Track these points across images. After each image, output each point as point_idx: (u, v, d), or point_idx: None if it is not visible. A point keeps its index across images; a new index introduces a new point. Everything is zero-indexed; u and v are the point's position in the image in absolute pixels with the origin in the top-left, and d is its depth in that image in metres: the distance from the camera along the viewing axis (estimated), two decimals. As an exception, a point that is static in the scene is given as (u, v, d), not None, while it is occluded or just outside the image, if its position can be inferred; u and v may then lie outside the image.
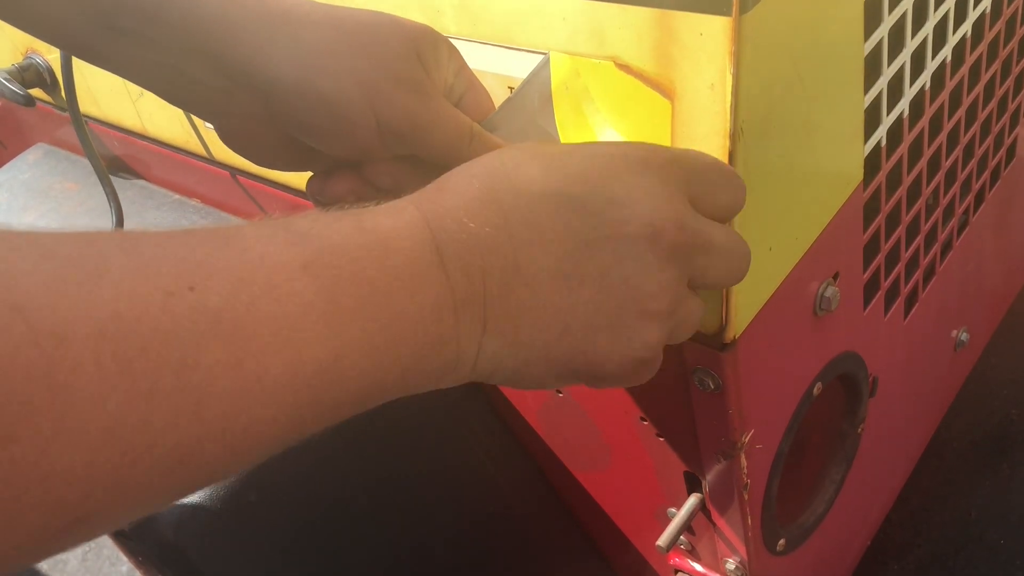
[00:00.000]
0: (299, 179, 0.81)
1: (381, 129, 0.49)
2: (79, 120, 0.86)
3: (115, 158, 1.08)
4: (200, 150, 0.89)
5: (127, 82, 0.90)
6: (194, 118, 0.87)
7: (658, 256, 0.43)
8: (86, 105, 0.97)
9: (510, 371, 0.42)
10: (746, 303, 0.58)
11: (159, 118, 0.91)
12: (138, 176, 1.09)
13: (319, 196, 0.54)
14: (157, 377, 0.29)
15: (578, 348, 0.42)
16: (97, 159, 0.88)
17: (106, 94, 0.95)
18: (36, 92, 1.02)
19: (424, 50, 0.50)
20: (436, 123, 0.50)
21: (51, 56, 0.98)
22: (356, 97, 0.48)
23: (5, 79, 0.97)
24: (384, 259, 0.37)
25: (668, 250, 0.43)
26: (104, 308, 0.28)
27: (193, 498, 0.72)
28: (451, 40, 0.54)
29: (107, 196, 0.89)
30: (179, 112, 0.88)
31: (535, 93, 0.55)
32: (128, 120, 0.95)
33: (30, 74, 1.00)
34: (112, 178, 0.89)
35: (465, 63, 0.54)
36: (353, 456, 0.79)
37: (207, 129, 0.86)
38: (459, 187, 0.41)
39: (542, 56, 0.55)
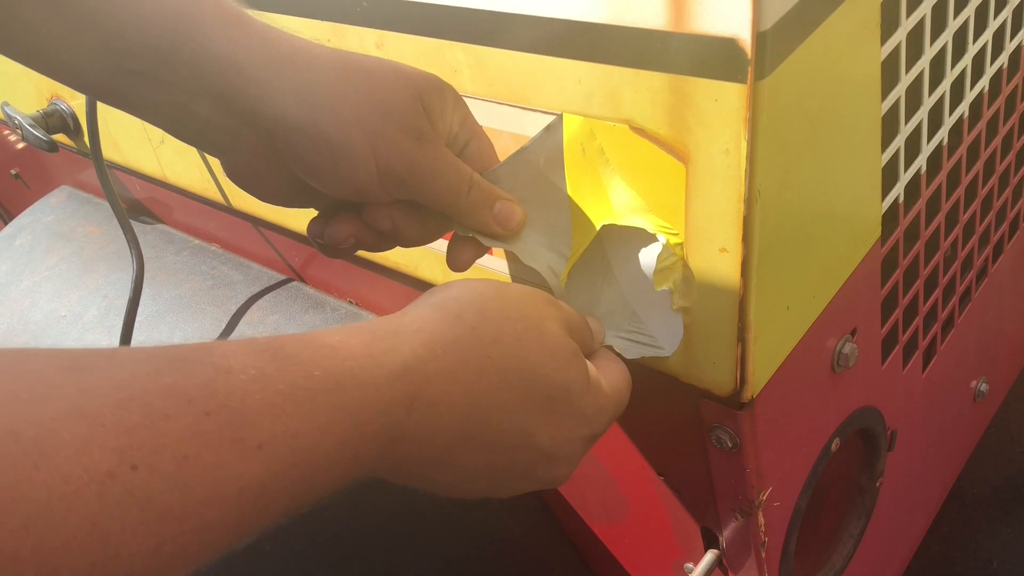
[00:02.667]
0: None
1: (381, 174, 0.51)
2: (101, 166, 0.87)
3: (136, 202, 1.09)
4: (219, 198, 0.90)
5: (149, 129, 0.92)
6: (213, 165, 0.88)
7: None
8: (108, 151, 0.99)
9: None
10: (764, 363, 0.58)
11: (179, 165, 0.92)
12: (159, 220, 1.10)
13: (319, 238, 0.56)
14: (71, 570, 0.29)
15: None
16: (119, 204, 0.89)
17: (128, 141, 0.96)
18: (60, 137, 1.03)
19: (429, 98, 0.51)
20: (436, 171, 0.52)
21: (75, 102, 1.00)
22: (358, 141, 0.49)
23: (30, 125, 0.98)
24: (350, 437, 0.38)
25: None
26: (38, 495, 0.28)
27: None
28: (465, 98, 0.54)
29: (128, 240, 0.90)
30: (198, 160, 0.89)
31: (543, 150, 0.55)
32: (149, 167, 0.96)
33: (54, 120, 1.01)
34: (133, 222, 0.90)
35: (470, 113, 0.55)
36: (362, 501, 0.78)
37: (225, 178, 0.87)
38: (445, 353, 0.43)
39: (555, 116, 0.55)
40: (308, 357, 0.38)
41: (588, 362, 0.49)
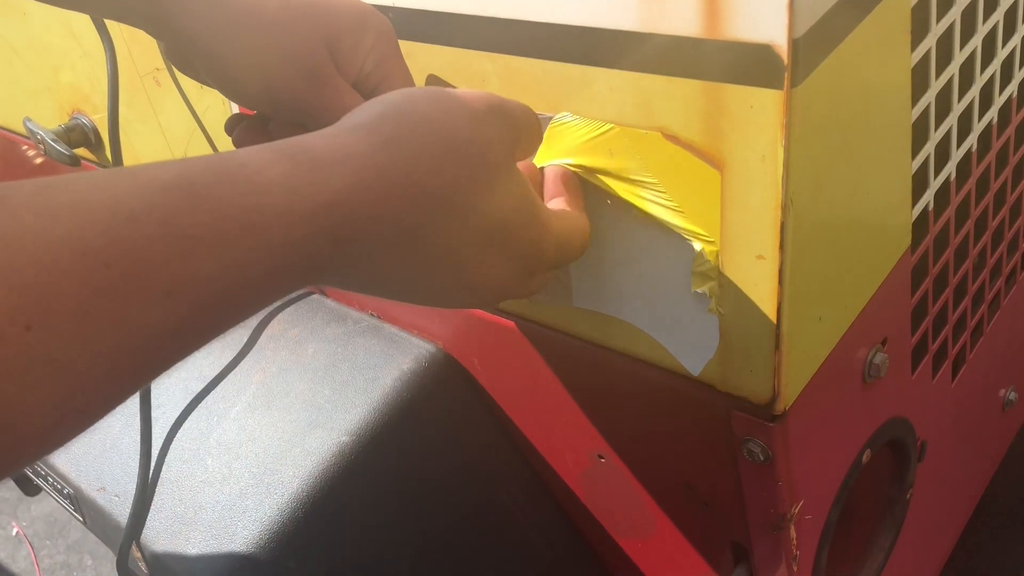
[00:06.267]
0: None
1: (274, 107, 0.54)
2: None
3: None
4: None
5: (170, 142, 0.92)
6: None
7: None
8: (130, 164, 0.99)
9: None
10: (796, 374, 0.57)
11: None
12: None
13: (229, 134, 0.59)
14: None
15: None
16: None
17: (150, 154, 0.96)
18: (81, 151, 1.03)
19: (339, 39, 0.53)
20: (327, 108, 0.53)
21: (97, 116, 1.00)
22: (253, 76, 0.52)
23: (52, 139, 0.98)
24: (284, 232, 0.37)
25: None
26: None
27: (234, 565, 0.72)
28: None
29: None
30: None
31: None
32: (170, 180, 0.96)
33: (76, 134, 1.01)
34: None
35: (392, 56, 0.56)
36: (389, 521, 0.78)
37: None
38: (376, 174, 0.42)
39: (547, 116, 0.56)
40: (222, 194, 0.35)
41: (537, 199, 0.48)
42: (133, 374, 0.34)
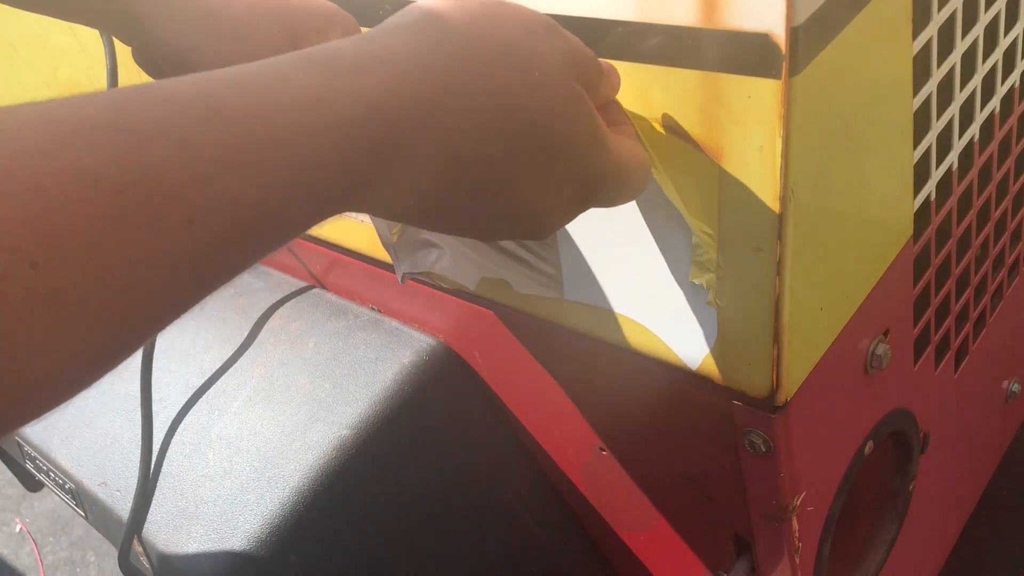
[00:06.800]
0: (342, 236, 0.81)
1: None
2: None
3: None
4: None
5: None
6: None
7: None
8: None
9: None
10: (798, 365, 0.57)
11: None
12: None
13: None
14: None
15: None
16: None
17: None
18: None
19: (304, 37, 0.53)
20: None
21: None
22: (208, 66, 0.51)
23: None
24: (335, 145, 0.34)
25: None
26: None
27: (236, 560, 0.72)
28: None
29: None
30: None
31: None
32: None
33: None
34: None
35: None
36: (390, 514, 0.78)
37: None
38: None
39: None
40: (247, 110, 0.32)
41: (599, 119, 0.44)
42: (153, 311, 0.31)
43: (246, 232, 0.32)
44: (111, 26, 0.54)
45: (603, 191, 0.45)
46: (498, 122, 0.39)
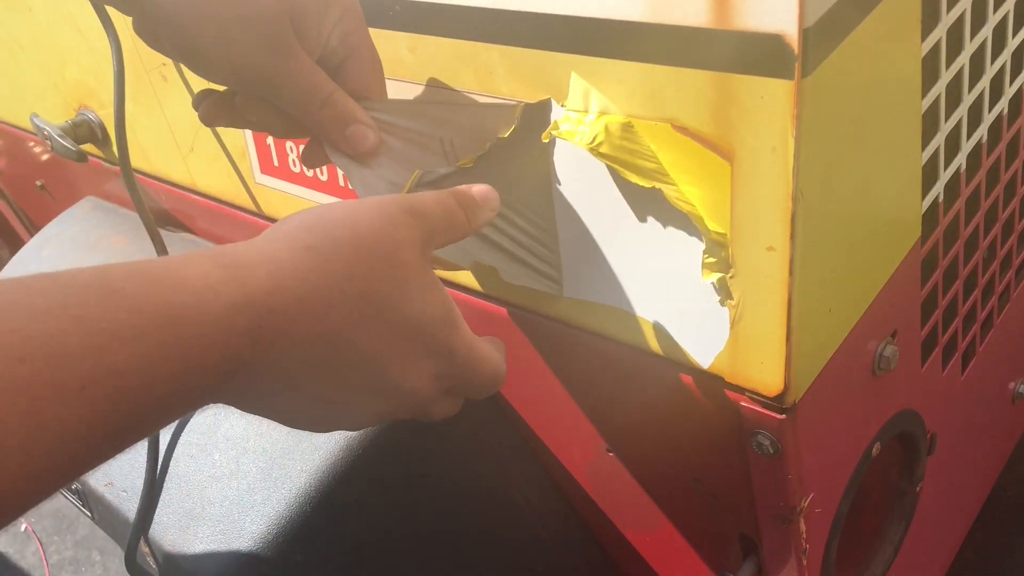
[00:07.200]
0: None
1: (235, 78, 0.54)
2: (130, 175, 0.87)
3: (163, 212, 1.09)
4: (249, 204, 0.90)
5: (177, 137, 0.92)
6: (242, 171, 0.88)
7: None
8: (136, 160, 0.99)
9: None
10: (806, 366, 0.57)
11: (208, 173, 0.92)
12: (185, 229, 1.10)
13: (198, 110, 0.59)
14: None
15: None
16: (147, 213, 0.88)
17: (156, 149, 0.96)
18: (88, 147, 1.03)
19: (303, 11, 0.53)
20: (288, 82, 0.54)
21: (103, 112, 1.00)
22: (214, 46, 0.52)
23: (59, 135, 0.98)
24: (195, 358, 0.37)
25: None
26: None
27: (242, 561, 0.72)
28: (501, 99, 0.55)
29: (156, 249, 0.90)
30: (228, 167, 0.88)
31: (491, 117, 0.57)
32: (177, 175, 0.96)
33: (82, 130, 1.01)
34: (160, 231, 0.90)
35: (358, 31, 0.56)
36: (396, 515, 0.78)
37: (256, 185, 0.87)
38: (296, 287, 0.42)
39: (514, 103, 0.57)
40: (138, 290, 0.36)
41: (453, 304, 0.48)
42: (50, 473, 0.33)
43: (136, 401, 0.35)
44: None
45: (459, 369, 0.48)
46: (360, 308, 0.43)
